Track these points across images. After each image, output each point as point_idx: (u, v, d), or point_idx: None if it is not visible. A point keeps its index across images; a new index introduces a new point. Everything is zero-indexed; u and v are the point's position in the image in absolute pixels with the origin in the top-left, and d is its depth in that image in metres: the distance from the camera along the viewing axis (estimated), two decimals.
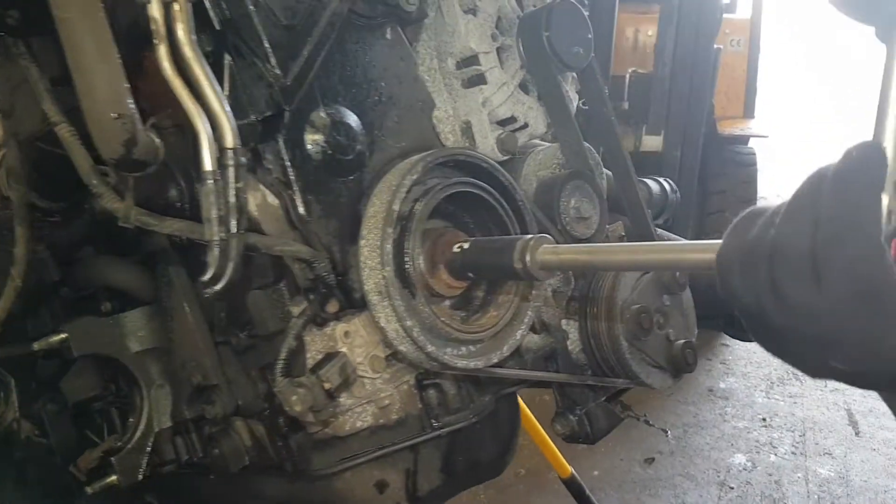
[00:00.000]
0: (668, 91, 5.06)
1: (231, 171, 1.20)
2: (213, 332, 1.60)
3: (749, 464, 4.53)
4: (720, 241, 0.89)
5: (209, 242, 1.19)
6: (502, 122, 1.75)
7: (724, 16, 5.71)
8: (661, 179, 2.43)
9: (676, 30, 4.98)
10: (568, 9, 1.75)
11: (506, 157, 1.75)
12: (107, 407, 1.84)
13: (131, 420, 1.69)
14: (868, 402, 5.10)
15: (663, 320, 1.81)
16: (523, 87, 1.79)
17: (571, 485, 3.23)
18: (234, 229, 1.21)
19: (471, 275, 1.46)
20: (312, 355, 1.45)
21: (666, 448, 4.65)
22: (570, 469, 3.21)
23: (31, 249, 1.38)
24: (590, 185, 1.79)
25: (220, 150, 1.19)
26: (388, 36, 1.53)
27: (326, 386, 1.39)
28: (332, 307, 1.42)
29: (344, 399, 1.46)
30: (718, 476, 4.38)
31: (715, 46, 5.28)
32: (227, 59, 1.34)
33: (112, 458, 1.63)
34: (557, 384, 1.83)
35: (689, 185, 4.93)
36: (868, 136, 0.86)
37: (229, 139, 1.19)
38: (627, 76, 5.17)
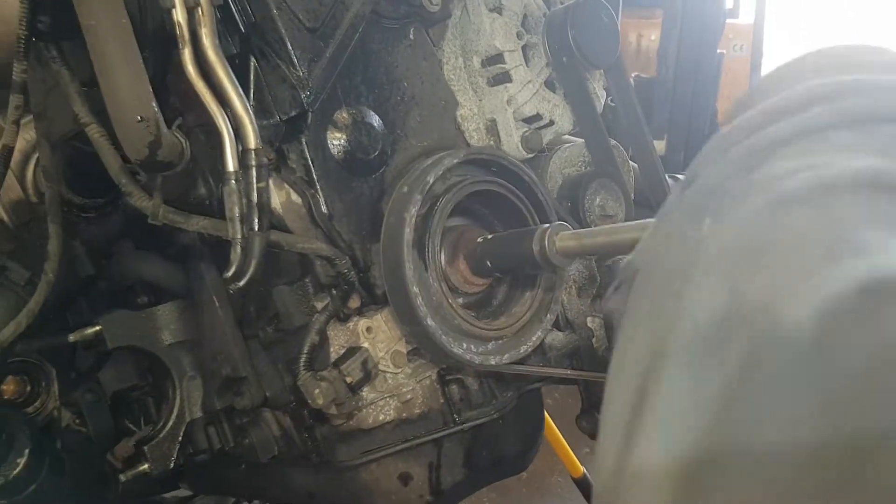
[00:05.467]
0: (670, 95, 5.10)
1: (253, 172, 1.23)
2: (243, 327, 1.65)
3: None
4: None
5: (232, 240, 1.23)
6: (528, 120, 1.76)
7: (727, 21, 5.73)
8: None
9: (679, 34, 5.02)
10: (594, 6, 1.75)
11: (530, 155, 1.76)
12: (143, 397, 1.90)
13: (164, 410, 1.75)
14: None
15: None
16: (549, 84, 1.79)
17: (583, 484, 3.23)
18: (256, 228, 1.25)
19: (489, 264, 1.47)
20: (336, 349, 1.48)
21: None
22: (581, 469, 3.21)
23: (64, 245, 1.43)
24: (616, 182, 1.79)
25: (243, 151, 1.23)
26: (412, 36, 1.55)
27: (348, 380, 1.42)
28: (354, 303, 1.45)
29: (366, 393, 1.49)
30: None
31: (718, 51, 5.29)
32: (253, 61, 1.38)
33: (144, 447, 1.69)
34: (583, 382, 1.83)
35: None
36: None
37: (251, 140, 1.23)
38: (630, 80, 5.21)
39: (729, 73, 5.87)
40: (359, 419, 1.52)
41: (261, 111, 1.39)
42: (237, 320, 1.64)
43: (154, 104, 1.15)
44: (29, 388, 1.79)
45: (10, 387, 1.76)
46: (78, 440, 1.83)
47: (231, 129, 1.21)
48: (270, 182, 1.42)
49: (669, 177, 2.33)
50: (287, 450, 1.67)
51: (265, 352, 1.63)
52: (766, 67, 6.50)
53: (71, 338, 1.63)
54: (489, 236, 1.47)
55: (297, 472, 1.76)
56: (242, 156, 1.23)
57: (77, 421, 1.85)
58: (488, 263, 1.47)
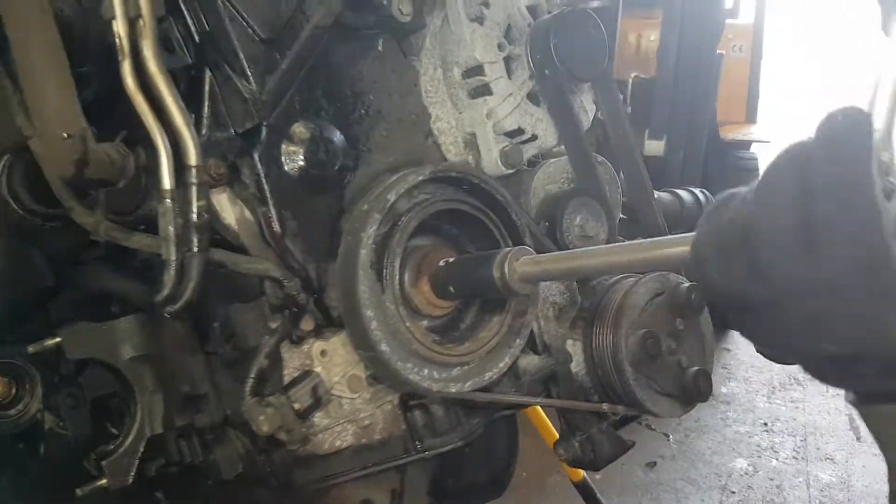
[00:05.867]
0: (670, 96, 5.09)
1: (193, 190, 1.18)
2: (206, 342, 1.60)
3: (751, 468, 4.51)
4: None
5: (166, 262, 1.18)
6: (509, 134, 1.68)
7: (727, 21, 5.72)
8: (696, 190, 2.33)
9: (679, 35, 5.00)
10: (581, 17, 1.67)
11: (511, 171, 1.69)
12: (123, 404, 1.87)
13: (126, 424, 1.71)
14: None
15: (675, 345, 1.71)
16: (533, 97, 1.72)
17: (583, 488, 3.18)
18: (195, 249, 1.19)
19: (451, 289, 1.41)
20: (290, 372, 1.43)
21: (668, 452, 4.63)
22: (581, 472, 3.16)
23: (20, 257, 1.39)
24: (598, 201, 1.71)
25: (183, 168, 1.18)
26: (380, 48, 1.49)
27: (296, 406, 1.36)
28: (308, 325, 1.39)
29: (319, 419, 1.43)
30: (720, 481, 4.37)
31: (717, 52, 5.29)
32: (208, 72, 1.33)
33: (102, 462, 1.65)
34: (559, 408, 1.76)
35: None
36: None
37: (192, 157, 1.18)
38: (630, 81, 5.17)
39: (728, 73, 5.86)
40: (314, 444, 1.47)
41: (216, 124, 1.34)
42: (200, 335, 1.59)
43: (82, 120, 1.10)
44: (14, 391, 1.77)
45: None
46: (61, 443, 1.81)
47: (168, 145, 1.16)
48: (225, 197, 1.37)
49: (666, 191, 2.25)
50: (250, 468, 1.63)
51: (226, 369, 1.58)
52: (766, 68, 6.44)
53: (30, 349, 1.60)
54: (451, 260, 1.41)
55: (261, 491, 1.71)
56: (182, 173, 1.17)
57: (60, 424, 1.82)
58: (451, 289, 1.41)
